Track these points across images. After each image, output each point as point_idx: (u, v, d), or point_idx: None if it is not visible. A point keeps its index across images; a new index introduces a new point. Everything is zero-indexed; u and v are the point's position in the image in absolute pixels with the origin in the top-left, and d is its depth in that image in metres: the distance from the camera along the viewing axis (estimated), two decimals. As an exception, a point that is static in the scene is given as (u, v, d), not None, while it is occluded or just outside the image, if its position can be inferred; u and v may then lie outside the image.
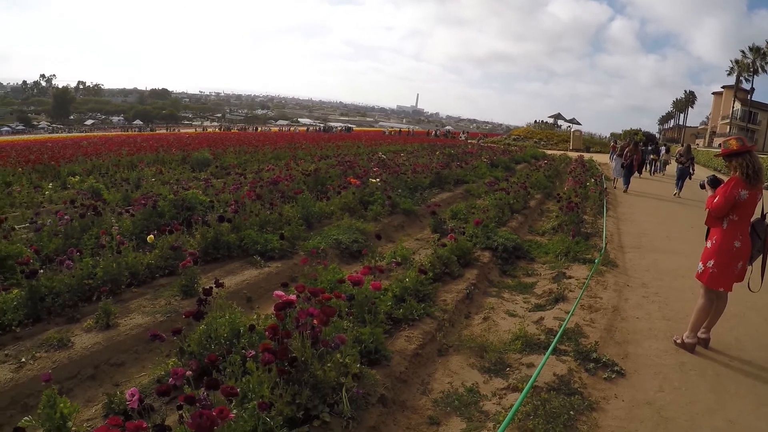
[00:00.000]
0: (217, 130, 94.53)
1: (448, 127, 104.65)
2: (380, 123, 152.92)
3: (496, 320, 7.56)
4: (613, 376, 5.92)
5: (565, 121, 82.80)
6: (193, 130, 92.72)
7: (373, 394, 5.04)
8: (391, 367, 5.63)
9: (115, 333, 6.25)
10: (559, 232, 12.85)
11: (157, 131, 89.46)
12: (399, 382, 5.54)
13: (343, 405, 4.58)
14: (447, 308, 7.42)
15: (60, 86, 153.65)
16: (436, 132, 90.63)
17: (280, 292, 5.26)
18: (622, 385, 5.78)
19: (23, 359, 5.65)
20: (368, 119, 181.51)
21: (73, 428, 4.52)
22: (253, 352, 4.72)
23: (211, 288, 5.96)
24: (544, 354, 5.88)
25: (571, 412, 5.04)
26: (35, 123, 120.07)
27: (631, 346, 6.79)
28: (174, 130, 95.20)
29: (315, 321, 4.77)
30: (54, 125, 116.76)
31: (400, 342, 6.22)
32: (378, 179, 15.35)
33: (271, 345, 4.49)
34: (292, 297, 5.20)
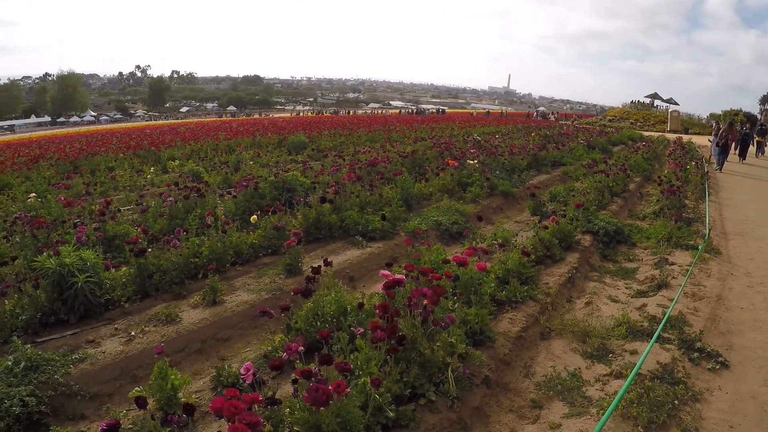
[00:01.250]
0: (309, 113, 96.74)
1: (541, 108, 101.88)
2: (472, 104, 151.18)
3: (598, 305, 7.58)
4: (717, 367, 5.82)
5: (662, 101, 78.87)
6: (288, 114, 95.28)
7: (478, 375, 5.16)
8: (495, 348, 5.74)
9: (221, 309, 6.68)
10: (660, 217, 12.59)
11: (254, 116, 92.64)
12: (502, 364, 5.64)
13: (449, 385, 4.71)
14: (549, 291, 7.46)
15: (155, 76, 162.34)
16: (536, 114, 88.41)
17: (386, 272, 5.46)
18: (725, 377, 5.68)
19: (132, 333, 6.16)
20: (460, 101, 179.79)
21: (183, 399, 4.92)
22: (362, 330, 4.94)
23: (319, 267, 6.24)
24: (647, 341, 5.91)
25: (675, 402, 5.00)
26: (132, 112, 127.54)
27: (735, 336, 6.63)
28: (267, 115, 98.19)
29: (425, 300, 4.94)
30: (150, 113, 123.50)
31: (503, 324, 6.32)
32: (475, 161, 15.43)
33: (380, 323, 4.67)
34: (400, 276, 5.40)
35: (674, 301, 7.06)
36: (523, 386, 5.49)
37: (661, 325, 6.21)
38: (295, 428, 3.94)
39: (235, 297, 7.04)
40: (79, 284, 6.34)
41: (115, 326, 6.34)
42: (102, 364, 5.65)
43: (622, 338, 6.43)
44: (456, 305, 5.69)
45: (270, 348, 5.74)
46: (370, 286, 7.74)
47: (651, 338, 5.95)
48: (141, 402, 3.64)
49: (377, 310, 4.90)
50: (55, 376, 5.30)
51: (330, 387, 3.65)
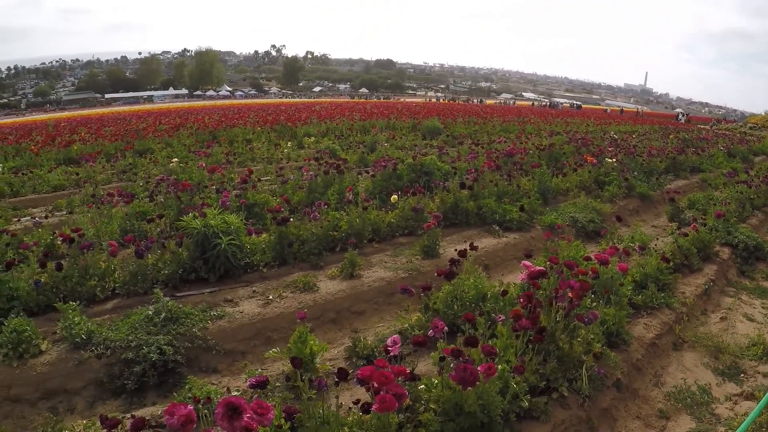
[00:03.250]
0: (443, 100, 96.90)
1: (679, 110, 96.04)
2: (606, 101, 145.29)
3: (733, 322, 7.32)
4: None
5: (815, 111, 72.37)
6: (420, 99, 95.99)
7: (610, 376, 5.15)
8: (628, 352, 5.70)
9: (358, 283, 6.99)
10: (806, 237, 11.54)
11: (394, 99, 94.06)
12: (634, 369, 5.60)
13: (582, 382, 4.73)
14: (686, 301, 7.29)
15: (289, 56, 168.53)
16: (678, 116, 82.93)
17: (527, 262, 5.48)
18: None
19: (270, 297, 6.57)
20: (594, 97, 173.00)
21: (318, 365, 5.16)
22: (503, 317, 4.98)
23: (465, 250, 6.35)
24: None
25: (810, 431, 4.73)
26: (266, 89, 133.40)
27: None
28: (398, 99, 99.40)
29: (570, 294, 4.91)
30: (283, 91, 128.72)
31: (638, 329, 6.25)
32: (614, 159, 15.07)
33: (522, 312, 4.70)
34: (540, 268, 5.40)
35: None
36: (652, 395, 5.47)
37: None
38: (431, 405, 4.06)
39: (372, 273, 7.32)
40: (222, 246, 6.82)
41: (253, 289, 6.78)
42: (239, 323, 6.06)
43: (756, 359, 6.25)
44: (594, 304, 5.69)
45: (407, 325, 5.88)
46: (506, 276, 7.82)
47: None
48: (296, 362, 3.85)
49: (521, 299, 4.93)
50: (193, 330, 5.77)
51: (479, 368, 3.73)
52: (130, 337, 5.52)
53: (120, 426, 3.66)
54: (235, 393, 4.83)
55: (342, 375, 3.71)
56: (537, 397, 4.41)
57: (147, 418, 3.97)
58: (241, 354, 5.90)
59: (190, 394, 4.66)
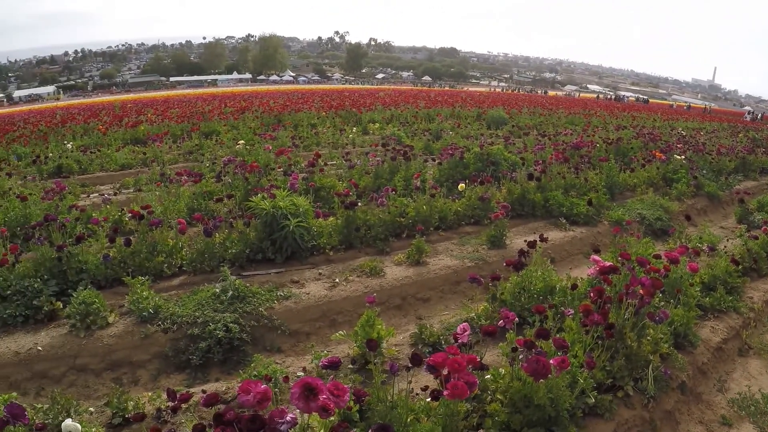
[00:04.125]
0: (506, 90, 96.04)
1: (747, 108, 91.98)
2: (673, 96, 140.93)
3: None
4: None
5: None
6: (483, 89, 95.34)
7: (675, 378, 5.04)
8: (694, 355, 5.57)
9: (424, 270, 7.00)
10: None
11: (459, 88, 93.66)
12: (699, 372, 5.48)
13: (648, 382, 4.65)
14: (754, 307, 7.06)
15: (352, 42, 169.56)
16: (746, 114, 79.42)
17: (597, 257, 5.40)
18: None
19: (337, 280, 6.64)
20: (660, 91, 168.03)
21: (384, 350, 5.16)
22: (572, 311, 4.91)
23: (534, 241, 6.28)
24: None
25: None
26: (329, 75, 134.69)
27: None
28: (462, 88, 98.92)
29: (641, 291, 4.81)
30: (346, 77, 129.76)
31: (704, 331, 6.10)
32: (682, 156, 14.69)
33: (592, 307, 4.62)
34: (611, 263, 5.29)
35: None
36: (716, 400, 5.34)
37: None
38: (497, 396, 4.05)
39: (438, 260, 7.32)
40: (291, 227, 6.93)
41: (320, 271, 6.87)
42: (305, 304, 6.14)
43: (821, 371, 6.00)
44: (662, 303, 5.60)
45: (473, 315, 5.85)
46: (572, 270, 7.70)
47: None
48: (372, 345, 3.89)
49: (591, 294, 4.87)
50: (260, 309, 5.89)
51: (552, 361, 3.70)
52: (197, 314, 5.66)
53: (184, 401, 3.71)
54: (300, 374, 4.88)
55: (416, 360, 3.69)
56: (602, 395, 4.36)
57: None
58: (306, 335, 5.99)
59: (255, 372, 4.73)
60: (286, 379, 4.40)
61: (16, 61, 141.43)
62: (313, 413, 2.81)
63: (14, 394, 4.48)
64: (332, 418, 3.46)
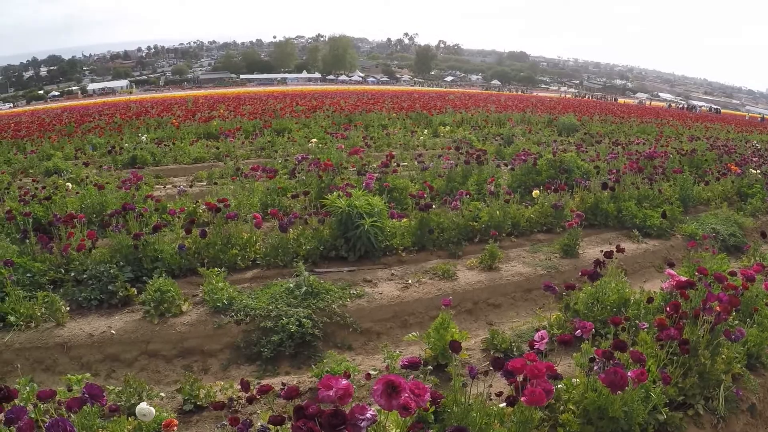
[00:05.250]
0: (576, 96, 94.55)
1: None
2: (746, 107, 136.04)
3: None
4: None
5: None
6: (553, 94, 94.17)
7: (745, 400, 4.88)
8: (765, 377, 5.36)
9: (496, 276, 6.97)
10: None
11: (534, 93, 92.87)
12: None
13: (718, 402, 4.52)
14: None
15: (422, 44, 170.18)
16: None
17: (671, 271, 5.36)
18: None
19: (409, 281, 6.67)
20: (734, 101, 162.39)
21: (461, 355, 5.13)
22: (646, 325, 4.83)
23: (611, 252, 6.21)
24: None
25: None
26: (398, 76, 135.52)
27: None
28: (531, 92, 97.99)
29: (718, 308, 4.70)
30: (415, 79, 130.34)
31: None
32: (758, 170, 14.19)
33: (667, 322, 4.53)
34: (687, 278, 5.23)
35: None
36: None
37: None
38: (569, 406, 4.01)
39: (510, 267, 7.27)
40: (365, 227, 7.01)
41: (392, 272, 6.92)
42: (377, 304, 6.19)
43: None
44: (737, 322, 5.43)
45: (544, 323, 5.80)
46: (645, 283, 7.51)
47: None
48: (456, 346, 3.90)
49: (667, 308, 4.79)
50: (333, 306, 5.95)
51: (630, 374, 3.65)
52: (270, 307, 5.77)
53: (264, 392, 3.76)
54: (373, 372, 4.91)
55: (498, 364, 3.68)
56: (673, 412, 4.28)
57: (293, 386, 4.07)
58: (377, 334, 6.03)
59: (327, 368, 4.80)
60: (368, 376, 4.45)
61: (90, 55, 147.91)
62: (392, 411, 2.83)
63: (87, 374, 4.62)
64: (407, 418, 3.48)
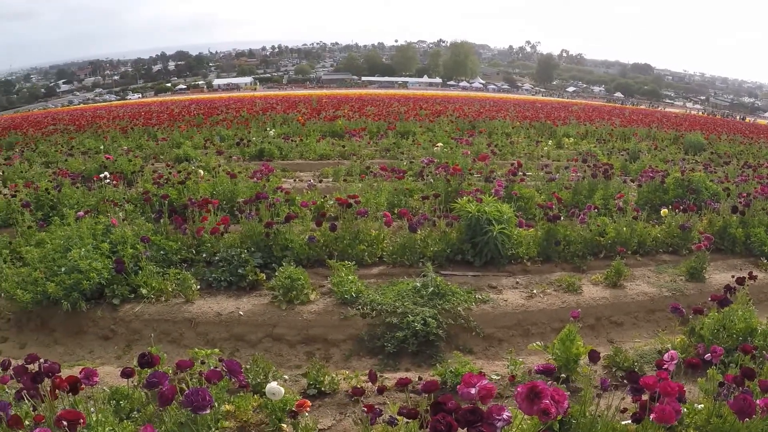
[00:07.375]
0: (701, 113, 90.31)
1: None
2: None
3: None
4: None
5: None
6: (681, 110, 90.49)
7: None
8: None
9: (621, 293, 6.90)
10: None
11: (655, 108, 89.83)
12: None
13: None
14: None
15: (544, 53, 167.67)
16: None
17: None
18: None
19: (534, 291, 6.71)
20: None
21: (579, 368, 5.13)
22: (772, 358, 4.67)
23: (744, 278, 6.04)
24: None
25: None
26: (519, 84, 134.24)
27: None
28: (655, 107, 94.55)
29: None
30: (536, 88, 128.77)
31: None
32: None
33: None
34: None
35: None
36: None
37: None
38: (690, 430, 3.98)
39: (635, 285, 7.17)
40: (494, 233, 7.09)
41: (517, 280, 6.99)
42: (501, 310, 6.26)
43: None
44: None
45: (668, 346, 5.68)
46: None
47: None
48: (594, 356, 3.95)
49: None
50: (458, 308, 6.06)
51: (759, 402, 3.58)
52: (397, 304, 5.95)
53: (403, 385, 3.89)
54: (495, 377, 4.98)
55: (632, 378, 3.69)
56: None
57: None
58: (498, 341, 6.09)
59: (451, 369, 4.90)
60: (512, 378, 4.54)
61: (216, 52, 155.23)
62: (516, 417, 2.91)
63: (216, 350, 4.94)
64: (539, 423, 3.53)
